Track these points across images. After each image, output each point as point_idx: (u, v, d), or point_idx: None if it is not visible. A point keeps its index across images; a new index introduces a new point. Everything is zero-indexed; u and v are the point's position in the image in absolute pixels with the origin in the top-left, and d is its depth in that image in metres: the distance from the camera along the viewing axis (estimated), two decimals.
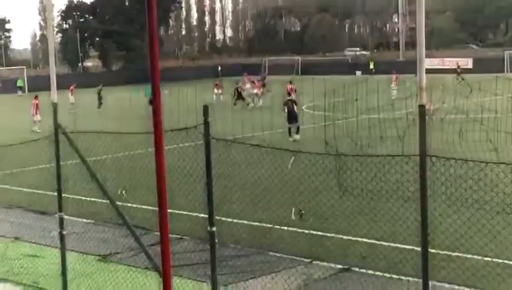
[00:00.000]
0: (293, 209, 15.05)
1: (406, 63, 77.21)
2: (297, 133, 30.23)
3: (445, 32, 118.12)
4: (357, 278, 12.33)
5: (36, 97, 43.83)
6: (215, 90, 58.29)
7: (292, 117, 31.67)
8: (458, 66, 58.47)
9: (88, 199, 18.40)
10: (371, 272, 12.59)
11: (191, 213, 16.45)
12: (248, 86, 53.94)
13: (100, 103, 55.67)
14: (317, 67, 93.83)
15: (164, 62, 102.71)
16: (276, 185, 15.99)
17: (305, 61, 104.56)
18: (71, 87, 57.93)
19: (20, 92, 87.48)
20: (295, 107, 32.13)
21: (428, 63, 65.52)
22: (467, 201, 9.86)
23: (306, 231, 15.16)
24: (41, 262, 13.96)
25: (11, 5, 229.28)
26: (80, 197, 18.62)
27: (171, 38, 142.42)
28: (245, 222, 16.41)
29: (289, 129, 30.94)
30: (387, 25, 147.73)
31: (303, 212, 15.26)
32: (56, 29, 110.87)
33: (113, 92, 57.56)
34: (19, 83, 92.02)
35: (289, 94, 32.95)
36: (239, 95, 51.10)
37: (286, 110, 32.11)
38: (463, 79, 49.44)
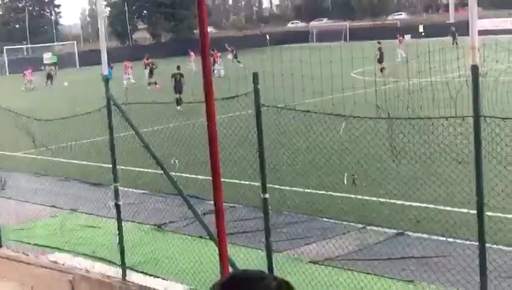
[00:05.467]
0: (346, 175, 15.01)
1: (455, 25, 75.58)
2: (180, 104, 32.19)
3: None
4: (412, 242, 12.28)
5: None
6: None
7: (178, 88, 35.70)
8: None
9: (142, 169, 18.65)
10: (425, 236, 12.52)
11: (243, 182, 16.54)
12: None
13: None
14: (366, 33, 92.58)
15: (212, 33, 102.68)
16: (327, 151, 15.96)
17: (353, 27, 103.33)
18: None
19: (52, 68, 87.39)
20: (182, 80, 36.22)
21: (480, 24, 64.10)
22: None
23: (359, 197, 15.12)
24: (98, 232, 14.23)
25: None
26: (134, 169, 18.89)
27: (218, 8, 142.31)
28: (297, 189, 16.44)
29: (176, 99, 33.45)
30: None
31: (356, 177, 15.21)
32: (104, 3, 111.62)
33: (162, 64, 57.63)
34: (52, 59, 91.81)
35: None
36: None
37: (174, 81, 36.37)
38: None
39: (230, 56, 65.42)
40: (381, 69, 41.52)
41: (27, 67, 62.48)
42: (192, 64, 56.62)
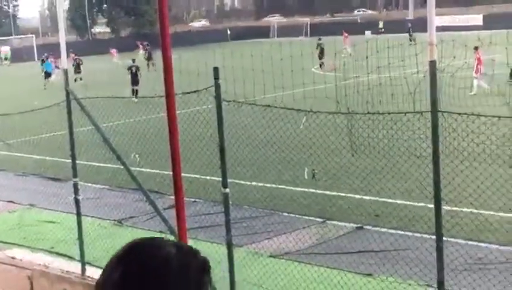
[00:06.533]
0: (306, 169, 15.11)
1: (414, 21, 76.30)
2: (136, 96, 33.20)
3: None
4: (371, 235, 12.41)
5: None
6: None
7: (134, 81, 37.12)
8: None
9: (102, 164, 18.50)
10: (384, 229, 12.67)
11: (203, 176, 16.53)
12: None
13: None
14: (326, 28, 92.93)
15: (172, 27, 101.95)
16: (288, 145, 16.03)
17: (314, 22, 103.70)
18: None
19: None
20: (138, 73, 37.73)
21: (439, 20, 64.75)
22: (479, 156, 9.95)
23: (319, 191, 15.23)
24: (57, 228, 14.11)
25: None
26: (94, 163, 18.73)
27: (179, 2, 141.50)
28: (258, 183, 16.48)
29: (132, 90, 35.29)
30: None
31: (316, 171, 15.31)
32: None
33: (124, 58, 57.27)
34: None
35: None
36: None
37: (130, 74, 37.75)
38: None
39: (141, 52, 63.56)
40: (321, 65, 42.04)
41: None
42: (117, 61, 57.19)
